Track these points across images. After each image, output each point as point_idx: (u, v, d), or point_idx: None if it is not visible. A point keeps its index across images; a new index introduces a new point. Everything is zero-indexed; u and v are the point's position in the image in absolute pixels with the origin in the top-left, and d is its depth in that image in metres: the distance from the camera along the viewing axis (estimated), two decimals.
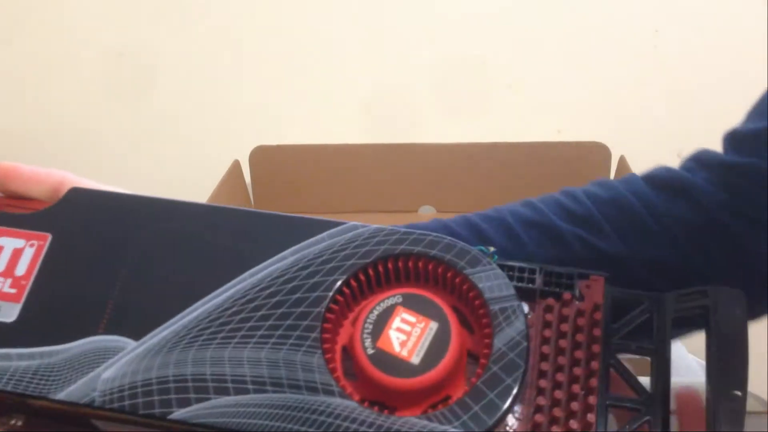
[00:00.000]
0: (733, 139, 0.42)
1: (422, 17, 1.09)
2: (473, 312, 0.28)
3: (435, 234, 0.29)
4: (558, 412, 0.26)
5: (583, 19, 1.04)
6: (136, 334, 0.27)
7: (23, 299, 0.28)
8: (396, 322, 0.27)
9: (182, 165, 1.18)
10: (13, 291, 0.28)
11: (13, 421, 0.29)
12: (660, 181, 0.42)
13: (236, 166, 1.15)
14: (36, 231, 0.30)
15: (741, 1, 0.96)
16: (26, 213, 0.30)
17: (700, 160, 0.42)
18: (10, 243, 0.29)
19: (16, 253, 0.29)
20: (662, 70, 0.99)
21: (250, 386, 0.26)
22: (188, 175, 1.16)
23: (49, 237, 0.30)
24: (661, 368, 0.29)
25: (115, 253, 0.29)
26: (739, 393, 0.27)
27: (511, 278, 0.30)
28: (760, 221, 0.40)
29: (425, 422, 0.25)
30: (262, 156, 1.15)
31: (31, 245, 0.29)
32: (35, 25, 1.14)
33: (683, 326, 0.31)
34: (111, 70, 1.13)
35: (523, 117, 1.05)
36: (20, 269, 0.29)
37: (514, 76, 1.06)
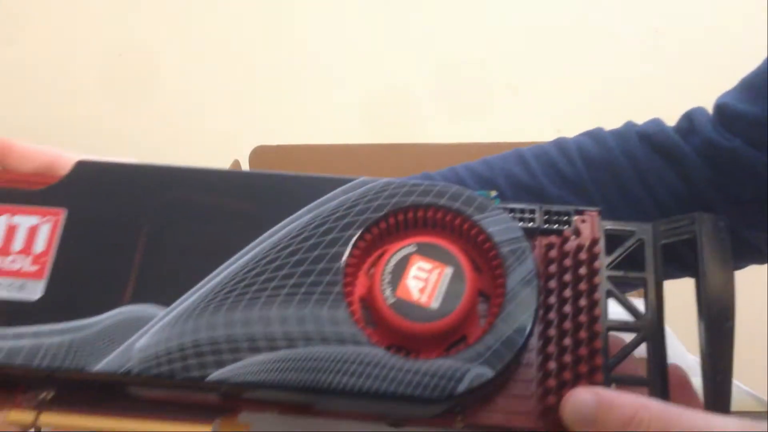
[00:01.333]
0: (723, 113, 0.42)
1: (422, 18, 1.08)
2: (483, 255, 0.30)
3: (443, 183, 0.30)
4: (567, 341, 0.28)
5: (582, 19, 1.04)
6: (165, 302, 0.28)
7: (46, 276, 0.29)
8: (413, 271, 0.28)
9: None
10: (34, 268, 0.29)
11: (43, 395, 0.30)
12: (654, 142, 0.42)
13: (236, 166, 1.14)
14: (49, 207, 0.30)
15: (741, 1, 0.97)
16: (35, 189, 0.30)
17: (693, 121, 0.43)
18: (25, 221, 0.30)
19: (32, 231, 0.29)
20: (662, 70, 1.00)
21: (281, 343, 0.27)
22: None
23: (64, 212, 0.30)
24: (655, 292, 0.31)
25: (132, 224, 0.30)
26: (728, 318, 0.29)
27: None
28: (740, 201, 0.41)
29: (451, 362, 0.27)
30: (262, 156, 1.15)
31: (47, 221, 0.30)
32: (35, 25, 1.13)
33: (673, 266, 0.33)
34: (111, 70, 1.12)
35: (523, 117, 1.06)
36: (39, 246, 0.29)
37: (514, 76, 1.07)
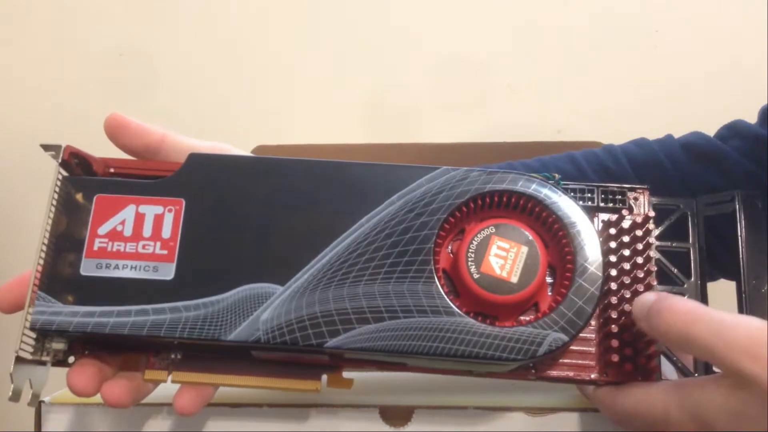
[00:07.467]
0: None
1: (422, 17, 1.07)
2: (552, 233, 0.34)
3: (515, 171, 0.34)
4: (627, 308, 0.33)
5: (582, 19, 1.03)
6: (281, 280, 0.33)
7: (175, 259, 0.33)
8: (493, 249, 0.33)
9: None
10: (164, 252, 0.33)
11: (173, 356, 0.35)
12: (695, 148, 0.45)
13: None
14: (170, 197, 0.34)
15: (741, 2, 0.96)
16: (155, 181, 0.34)
17: (734, 128, 0.45)
18: (150, 210, 0.34)
19: (158, 219, 0.34)
20: (662, 70, 1.00)
21: (385, 315, 0.32)
22: None
23: (183, 201, 0.34)
24: (698, 258, 0.36)
25: (244, 211, 0.34)
26: (764, 273, 0.34)
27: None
28: None
29: (532, 329, 0.31)
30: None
31: (170, 210, 0.34)
32: (35, 25, 1.11)
33: (712, 266, 0.37)
34: (111, 70, 1.11)
35: (523, 117, 1.06)
36: (165, 233, 0.33)
37: (514, 76, 1.06)
